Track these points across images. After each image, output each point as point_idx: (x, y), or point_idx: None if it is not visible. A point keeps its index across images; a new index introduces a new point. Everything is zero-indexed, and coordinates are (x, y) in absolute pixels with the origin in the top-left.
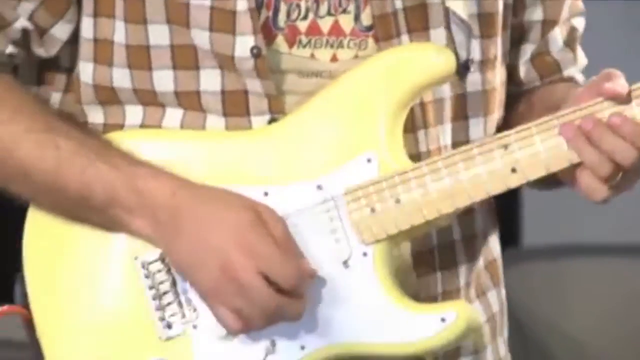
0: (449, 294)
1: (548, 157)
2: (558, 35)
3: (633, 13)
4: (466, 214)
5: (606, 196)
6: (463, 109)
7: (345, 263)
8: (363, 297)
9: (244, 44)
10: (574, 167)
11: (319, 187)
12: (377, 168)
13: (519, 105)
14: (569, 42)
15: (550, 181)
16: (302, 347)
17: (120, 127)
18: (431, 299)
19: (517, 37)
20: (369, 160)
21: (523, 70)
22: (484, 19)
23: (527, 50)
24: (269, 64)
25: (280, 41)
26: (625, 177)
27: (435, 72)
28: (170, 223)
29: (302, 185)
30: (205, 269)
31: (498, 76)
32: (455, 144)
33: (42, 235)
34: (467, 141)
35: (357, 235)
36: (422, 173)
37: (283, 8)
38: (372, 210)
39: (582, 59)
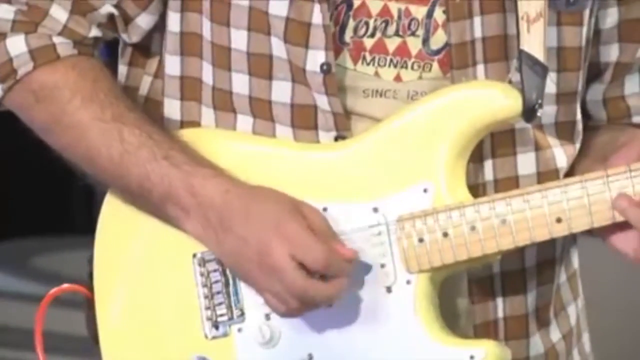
0: (512, 320)
1: (594, 212)
2: (636, 79)
3: None
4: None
5: None
6: (542, 138)
7: (388, 288)
8: (400, 323)
9: (315, 58)
10: (613, 225)
11: (375, 210)
12: (431, 199)
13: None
14: None
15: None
16: None
17: (197, 125)
18: (489, 324)
19: (589, 74)
20: (425, 191)
21: (591, 108)
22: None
23: (598, 89)
24: (336, 81)
25: (345, 56)
26: None
27: (501, 113)
28: (219, 224)
29: (359, 205)
30: (248, 259)
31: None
32: (521, 176)
33: (115, 218)
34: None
35: (403, 262)
36: (472, 211)
37: (351, 24)
38: (420, 240)
39: None
